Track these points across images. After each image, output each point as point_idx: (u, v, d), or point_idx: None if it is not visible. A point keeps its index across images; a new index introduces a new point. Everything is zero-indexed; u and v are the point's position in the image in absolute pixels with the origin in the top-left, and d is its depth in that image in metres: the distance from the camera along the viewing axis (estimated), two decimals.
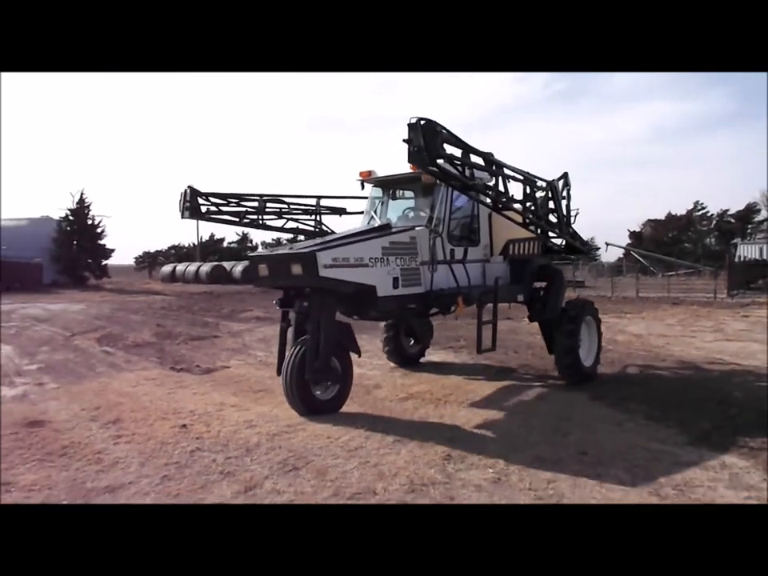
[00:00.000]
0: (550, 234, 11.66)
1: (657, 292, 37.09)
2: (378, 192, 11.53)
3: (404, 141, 7.67)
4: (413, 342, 13.40)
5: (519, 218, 10.49)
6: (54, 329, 20.13)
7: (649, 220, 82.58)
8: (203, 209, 11.76)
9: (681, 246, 76.38)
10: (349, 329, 9.32)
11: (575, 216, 12.22)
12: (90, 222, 56.26)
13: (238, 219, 12.39)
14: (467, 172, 8.78)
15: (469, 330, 16.77)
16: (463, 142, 8.42)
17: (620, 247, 68.61)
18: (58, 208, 67.22)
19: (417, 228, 9.93)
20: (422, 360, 13.39)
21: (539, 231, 11.22)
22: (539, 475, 6.41)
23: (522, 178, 10.07)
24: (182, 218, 11.67)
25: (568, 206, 11.87)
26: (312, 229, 12.99)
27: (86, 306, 29.09)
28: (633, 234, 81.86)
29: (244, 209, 12.32)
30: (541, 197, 10.74)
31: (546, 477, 6.36)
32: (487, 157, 9.16)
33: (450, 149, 8.26)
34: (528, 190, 10.25)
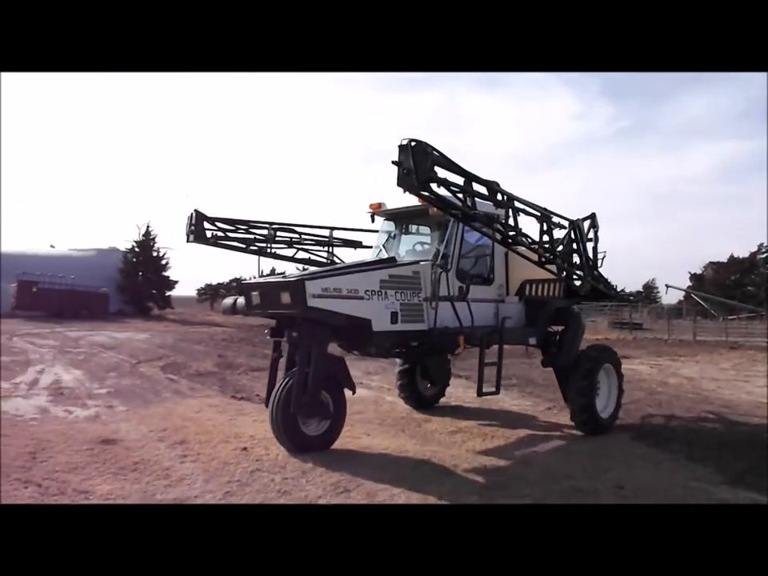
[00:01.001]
0: (574, 275, 11.01)
1: (715, 336, 36.73)
2: (391, 226, 11.31)
3: (393, 163, 7.39)
4: (429, 384, 12.89)
5: (535, 257, 9.90)
6: (120, 356, 21.03)
7: (711, 262, 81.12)
8: (209, 234, 11.56)
9: (743, 289, 74.90)
10: (342, 363, 9.08)
11: (602, 259, 11.67)
12: (155, 253, 57.95)
13: (244, 246, 12.13)
14: (469, 201, 8.39)
15: (520, 369, 17.19)
16: (460, 167, 8.00)
17: (680, 290, 67.46)
18: (124, 240, 69.17)
19: (422, 262, 9.62)
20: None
21: (561, 272, 10.57)
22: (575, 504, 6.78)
23: (537, 213, 9.65)
24: (187, 241, 11.59)
25: (595, 248, 11.42)
26: (324, 260, 12.67)
27: (150, 335, 30.12)
28: (693, 276, 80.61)
29: (253, 236, 12.11)
30: (560, 237, 10.33)
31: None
32: (491, 186, 8.63)
33: (452, 177, 7.98)
34: (545, 227, 9.77)
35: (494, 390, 9.92)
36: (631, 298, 61.49)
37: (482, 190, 8.56)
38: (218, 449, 8.87)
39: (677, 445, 9.64)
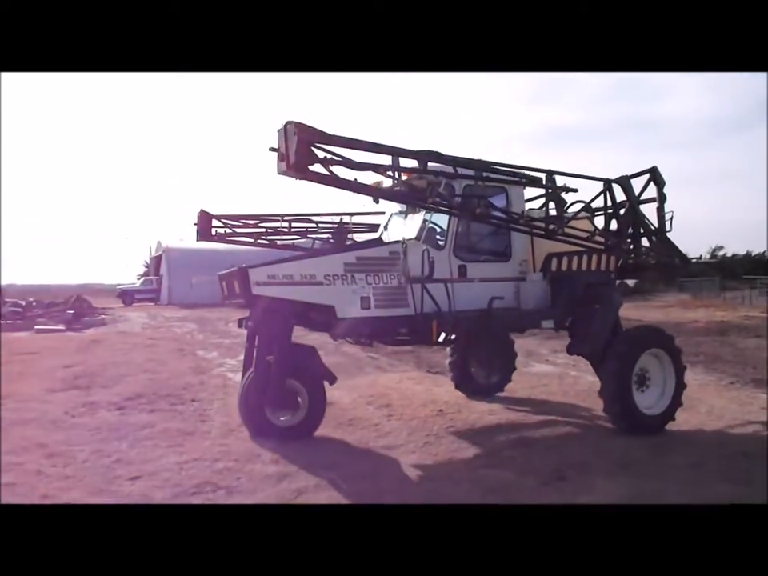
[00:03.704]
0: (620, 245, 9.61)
1: None
2: (402, 205, 9.81)
3: (270, 149, 7.25)
4: (486, 372, 11.77)
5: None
6: (324, 337, 23.12)
7: None
8: (215, 231, 11.90)
9: None
10: (311, 352, 8.70)
11: (670, 221, 9.96)
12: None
13: (252, 240, 12.29)
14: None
15: (711, 347, 17.38)
16: (358, 141, 7.47)
17: None
18: None
19: (402, 241, 8.73)
20: None
21: (608, 243, 9.38)
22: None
23: (519, 180, 8.92)
24: (197, 240, 12.12)
25: (659, 209, 9.87)
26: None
27: None
28: None
29: (264, 230, 12.20)
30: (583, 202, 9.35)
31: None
32: (422, 157, 7.85)
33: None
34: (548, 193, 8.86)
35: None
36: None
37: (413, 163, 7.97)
38: (418, 410, 10.30)
39: None
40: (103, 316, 32.11)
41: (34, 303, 33.55)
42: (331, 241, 12.50)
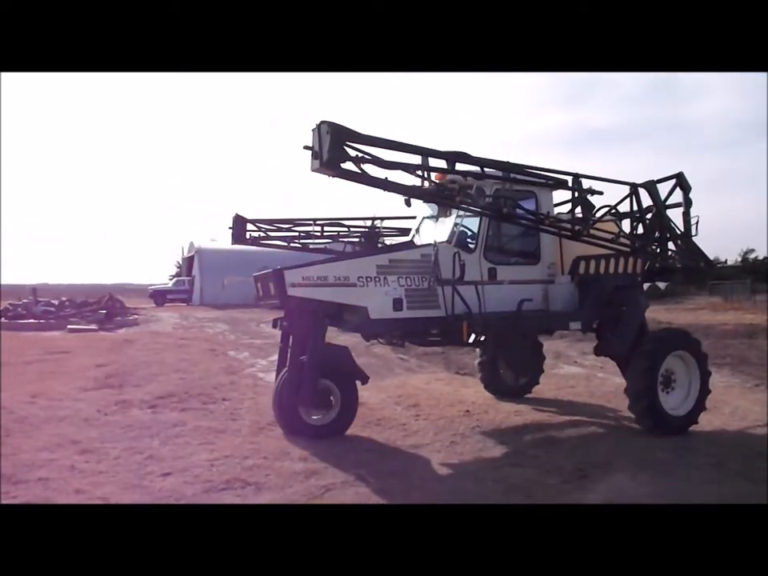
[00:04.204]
0: (648, 249, 9.85)
1: None
2: (433, 208, 10.09)
3: (305, 147, 7.44)
4: (515, 375, 11.81)
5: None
6: (355, 338, 23.33)
7: None
8: (249, 235, 12.04)
9: None
10: (344, 352, 8.90)
11: (696, 225, 10.14)
12: None
13: (286, 244, 12.50)
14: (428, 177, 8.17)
15: (738, 349, 17.32)
16: (389, 141, 7.72)
17: None
18: None
19: (434, 244, 8.89)
20: None
21: (634, 246, 9.62)
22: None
23: (543, 181, 9.13)
24: (232, 243, 12.25)
25: (685, 213, 10.06)
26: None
27: None
28: None
29: (297, 233, 12.37)
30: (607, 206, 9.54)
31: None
32: (449, 158, 8.06)
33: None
34: (575, 196, 9.10)
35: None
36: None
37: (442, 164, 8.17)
38: (445, 411, 10.46)
39: None
40: (135, 316, 32.51)
41: (66, 302, 34.02)
42: (362, 243, 12.63)
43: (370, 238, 12.49)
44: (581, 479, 7.00)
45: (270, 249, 13.24)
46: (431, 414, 10.25)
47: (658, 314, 24.62)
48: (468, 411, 10.41)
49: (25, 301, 31.63)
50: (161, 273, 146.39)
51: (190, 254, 57.60)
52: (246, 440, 8.47)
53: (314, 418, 8.65)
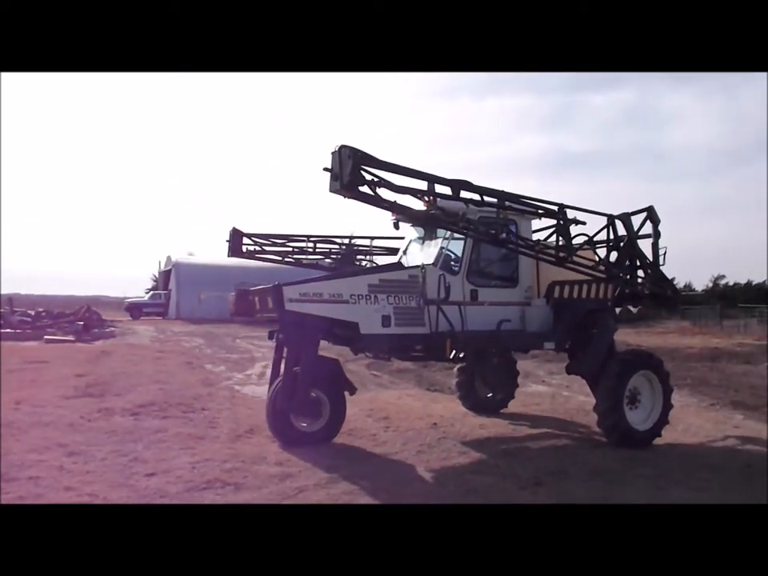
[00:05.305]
0: (621, 276, 10.46)
1: None
2: (420, 231, 10.72)
3: (324, 169, 7.77)
4: (489, 391, 12.49)
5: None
6: (330, 354, 23.76)
7: None
8: (245, 249, 12.39)
9: None
10: (335, 364, 9.48)
11: (663, 256, 10.88)
12: None
13: (280, 258, 12.92)
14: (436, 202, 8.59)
15: (700, 372, 17.99)
16: (400, 167, 8.17)
17: None
18: None
19: (420, 266, 9.49)
20: None
21: (608, 274, 10.21)
22: None
23: (535, 210, 9.70)
24: (228, 256, 12.56)
25: (654, 244, 10.78)
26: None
27: None
28: None
29: (291, 248, 12.80)
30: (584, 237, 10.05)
31: None
32: (454, 185, 8.55)
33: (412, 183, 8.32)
34: (560, 224, 9.59)
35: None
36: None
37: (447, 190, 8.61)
38: (414, 423, 10.96)
39: None
40: (112, 328, 32.79)
41: (43, 313, 34.22)
42: (339, 261, 13.17)
43: (346, 258, 13.06)
44: (536, 485, 7.54)
45: (249, 263, 13.57)
46: (400, 425, 10.76)
47: (627, 337, 25.25)
48: (436, 424, 10.92)
49: (1, 310, 31.75)
50: (137, 286, 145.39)
51: (167, 268, 57.71)
52: (225, 446, 8.95)
53: (303, 425, 9.16)
